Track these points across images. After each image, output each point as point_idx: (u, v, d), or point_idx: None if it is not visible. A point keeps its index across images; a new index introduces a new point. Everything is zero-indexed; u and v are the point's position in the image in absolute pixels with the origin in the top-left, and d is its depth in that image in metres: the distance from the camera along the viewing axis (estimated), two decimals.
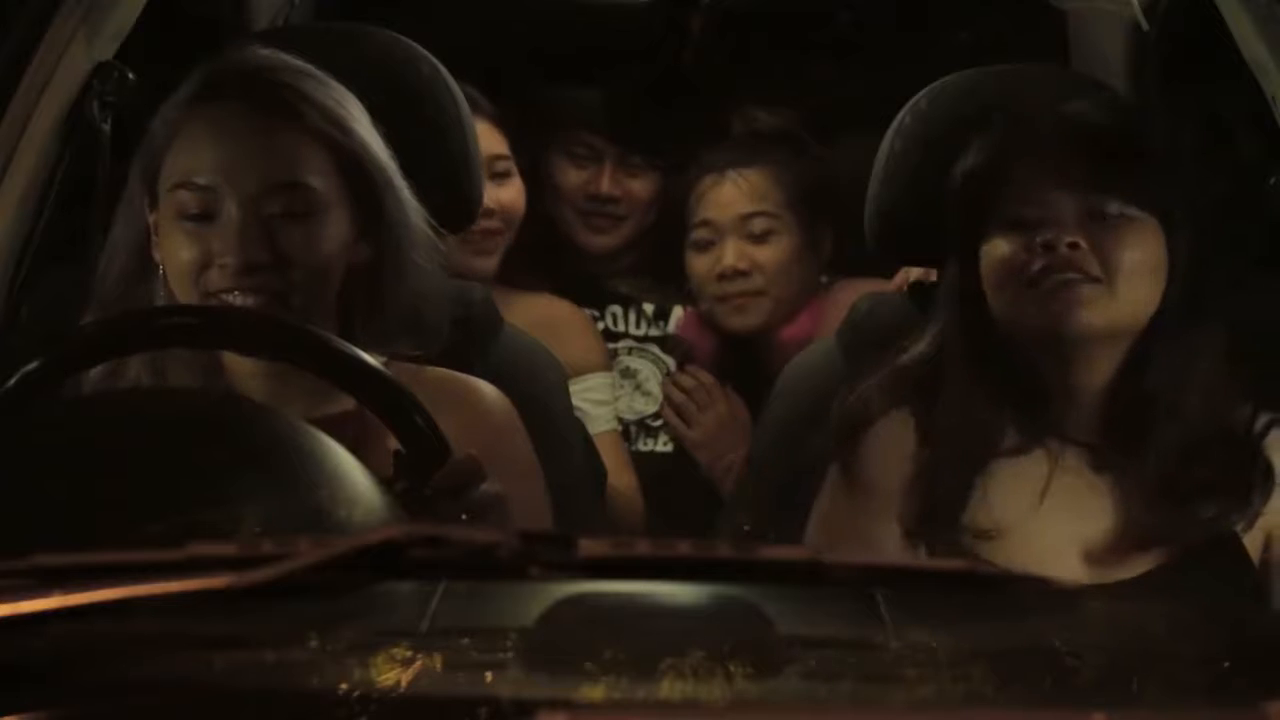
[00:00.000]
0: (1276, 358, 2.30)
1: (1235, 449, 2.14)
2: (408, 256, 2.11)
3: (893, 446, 2.19)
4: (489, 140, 2.92)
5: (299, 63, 2.10)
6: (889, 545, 2.15)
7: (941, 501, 2.14)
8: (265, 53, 2.11)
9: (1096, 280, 2.11)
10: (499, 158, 2.97)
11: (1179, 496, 2.11)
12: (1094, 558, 2.13)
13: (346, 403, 2.01)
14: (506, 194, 2.98)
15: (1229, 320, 2.16)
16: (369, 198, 2.09)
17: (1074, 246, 2.11)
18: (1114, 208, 2.12)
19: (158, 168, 2.06)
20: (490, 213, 2.90)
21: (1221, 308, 2.16)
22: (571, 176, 3.19)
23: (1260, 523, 2.14)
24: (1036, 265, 2.12)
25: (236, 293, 2.01)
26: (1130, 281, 2.11)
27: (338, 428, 1.93)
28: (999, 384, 2.17)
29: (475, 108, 2.85)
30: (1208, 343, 2.14)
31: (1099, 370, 2.15)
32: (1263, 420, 2.17)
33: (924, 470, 2.16)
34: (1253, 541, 2.15)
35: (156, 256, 2.07)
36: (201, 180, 2.02)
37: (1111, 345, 2.14)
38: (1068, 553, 2.14)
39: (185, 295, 2.03)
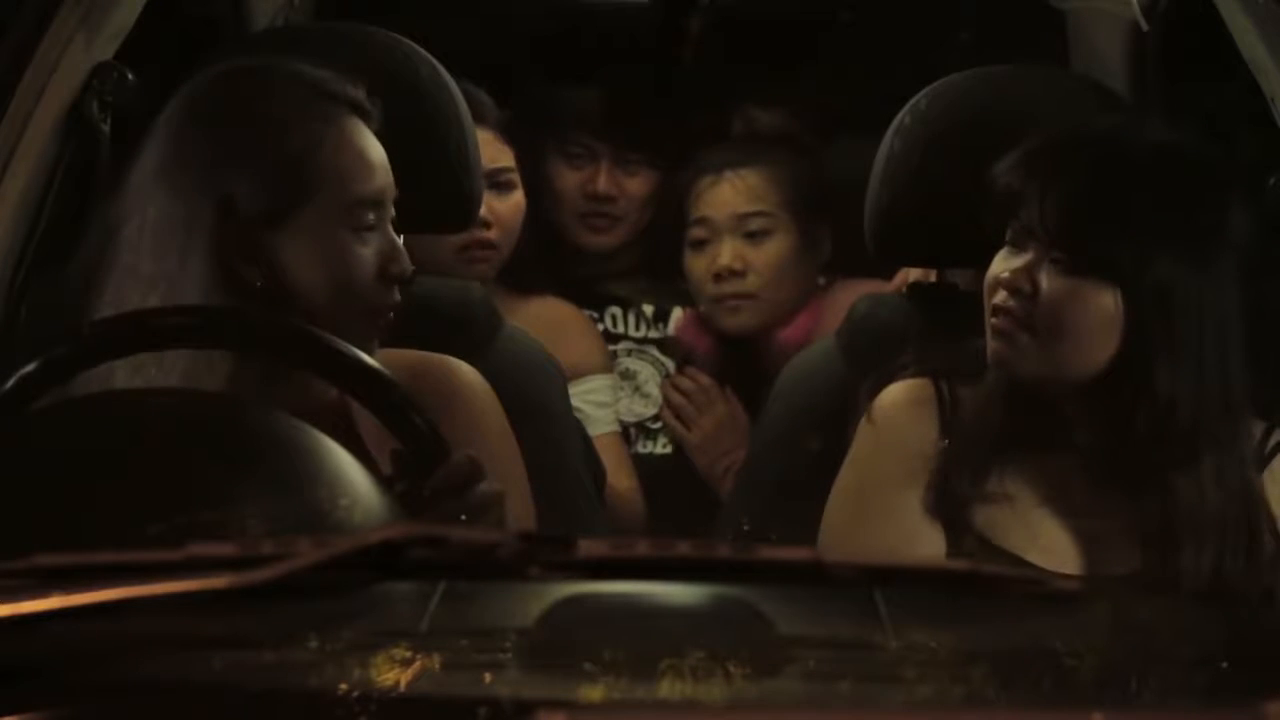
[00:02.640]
0: (1278, 359, 2.30)
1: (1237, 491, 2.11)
2: None
3: (917, 412, 2.19)
4: (494, 150, 2.92)
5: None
6: (907, 517, 2.15)
7: (960, 475, 2.14)
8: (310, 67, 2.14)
9: (1029, 329, 2.09)
10: (504, 169, 2.96)
11: (1143, 509, 2.11)
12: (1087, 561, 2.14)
13: (329, 393, 2.02)
14: (506, 206, 2.97)
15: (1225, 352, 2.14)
16: None
17: (1017, 293, 2.09)
18: (1075, 262, 2.08)
19: (292, 184, 2.06)
20: (487, 224, 2.90)
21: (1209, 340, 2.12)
22: (568, 177, 3.19)
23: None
24: (995, 298, 2.12)
25: (390, 301, 2.08)
26: (1067, 340, 2.08)
27: (332, 421, 1.94)
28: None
29: (482, 116, 2.86)
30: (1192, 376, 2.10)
31: (1080, 402, 2.14)
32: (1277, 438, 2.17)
33: (945, 446, 2.16)
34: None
35: (244, 274, 2.05)
36: (368, 193, 2.07)
37: (1067, 383, 2.12)
38: (1065, 551, 2.14)
39: (348, 304, 2.06)
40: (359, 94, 2.11)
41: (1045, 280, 2.09)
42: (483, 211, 2.84)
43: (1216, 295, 2.10)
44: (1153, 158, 2.14)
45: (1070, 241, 2.08)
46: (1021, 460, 2.16)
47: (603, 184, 3.16)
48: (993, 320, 2.12)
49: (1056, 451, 2.16)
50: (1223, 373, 2.10)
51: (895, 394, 2.22)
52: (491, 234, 2.93)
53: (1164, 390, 2.08)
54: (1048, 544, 2.13)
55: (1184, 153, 2.16)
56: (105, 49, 2.55)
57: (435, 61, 2.44)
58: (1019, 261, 2.11)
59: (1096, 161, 2.13)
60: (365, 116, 2.11)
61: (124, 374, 2.00)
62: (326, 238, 2.06)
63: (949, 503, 2.14)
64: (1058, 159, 2.13)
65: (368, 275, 2.06)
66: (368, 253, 2.06)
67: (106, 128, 2.53)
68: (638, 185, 3.19)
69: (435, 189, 2.36)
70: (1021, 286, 2.09)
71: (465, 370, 2.19)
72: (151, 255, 2.06)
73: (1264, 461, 2.17)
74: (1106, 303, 2.08)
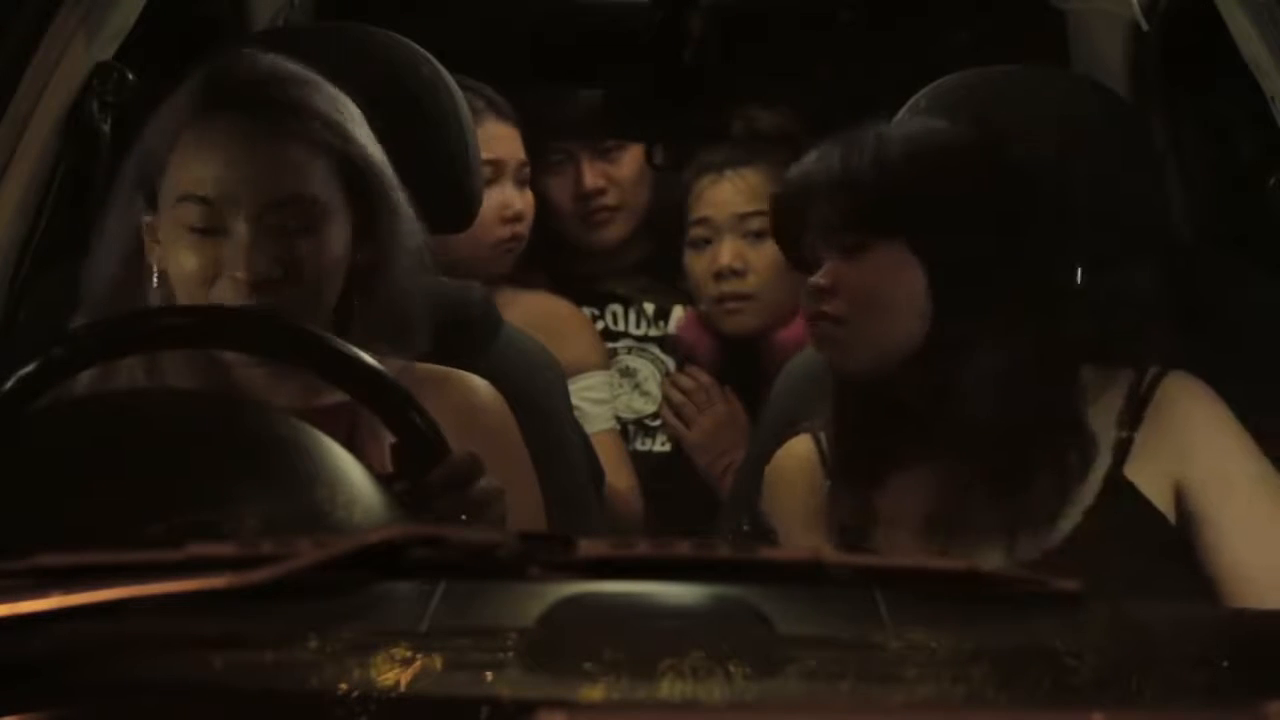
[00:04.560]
0: (1277, 357, 2.30)
1: (1051, 433, 2.16)
2: (400, 261, 2.12)
3: (801, 466, 2.28)
4: (514, 146, 2.97)
5: (299, 70, 2.09)
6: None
7: (845, 509, 2.21)
8: (266, 60, 2.09)
9: (839, 321, 2.16)
10: (524, 164, 3.00)
11: (1000, 486, 2.14)
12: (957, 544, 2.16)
13: (340, 394, 2.01)
14: (527, 202, 3.03)
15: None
16: (366, 203, 2.09)
17: (820, 293, 2.17)
18: (862, 241, 2.16)
19: (158, 175, 2.05)
20: (519, 217, 2.95)
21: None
22: (555, 185, 3.19)
23: (1167, 474, 2.16)
24: (809, 308, 2.20)
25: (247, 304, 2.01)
26: (875, 318, 2.15)
27: (331, 419, 1.94)
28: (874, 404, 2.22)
29: (499, 111, 2.89)
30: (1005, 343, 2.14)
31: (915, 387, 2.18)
32: (1152, 372, 2.20)
33: (829, 487, 2.24)
34: (1162, 495, 2.16)
35: (151, 260, 2.07)
36: (206, 194, 2.01)
37: (895, 368, 2.16)
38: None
39: (193, 301, 2.03)
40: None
41: (840, 270, 2.16)
42: (518, 206, 2.91)
43: (1004, 246, 2.15)
44: (897, 137, 2.22)
45: (844, 220, 2.16)
46: (893, 474, 2.21)
47: (588, 180, 3.17)
48: (811, 330, 2.21)
49: (921, 453, 2.19)
50: (1034, 322, 2.15)
51: (780, 458, 2.32)
52: (520, 228, 2.99)
53: (970, 343, 2.13)
54: (933, 546, 2.17)
55: (929, 130, 2.25)
56: (105, 49, 2.55)
57: (436, 62, 2.44)
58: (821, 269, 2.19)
59: (849, 151, 2.21)
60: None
61: (124, 374, 2.01)
62: (166, 229, 2.04)
63: (846, 538, 2.19)
64: (813, 167, 2.24)
65: (192, 275, 2.02)
66: (193, 252, 2.01)
67: (106, 128, 2.54)
68: (624, 168, 3.19)
69: (435, 189, 2.36)
70: (822, 285, 2.17)
71: (481, 386, 2.17)
72: (115, 255, 2.08)
73: (1140, 406, 2.19)
74: (896, 269, 2.14)
